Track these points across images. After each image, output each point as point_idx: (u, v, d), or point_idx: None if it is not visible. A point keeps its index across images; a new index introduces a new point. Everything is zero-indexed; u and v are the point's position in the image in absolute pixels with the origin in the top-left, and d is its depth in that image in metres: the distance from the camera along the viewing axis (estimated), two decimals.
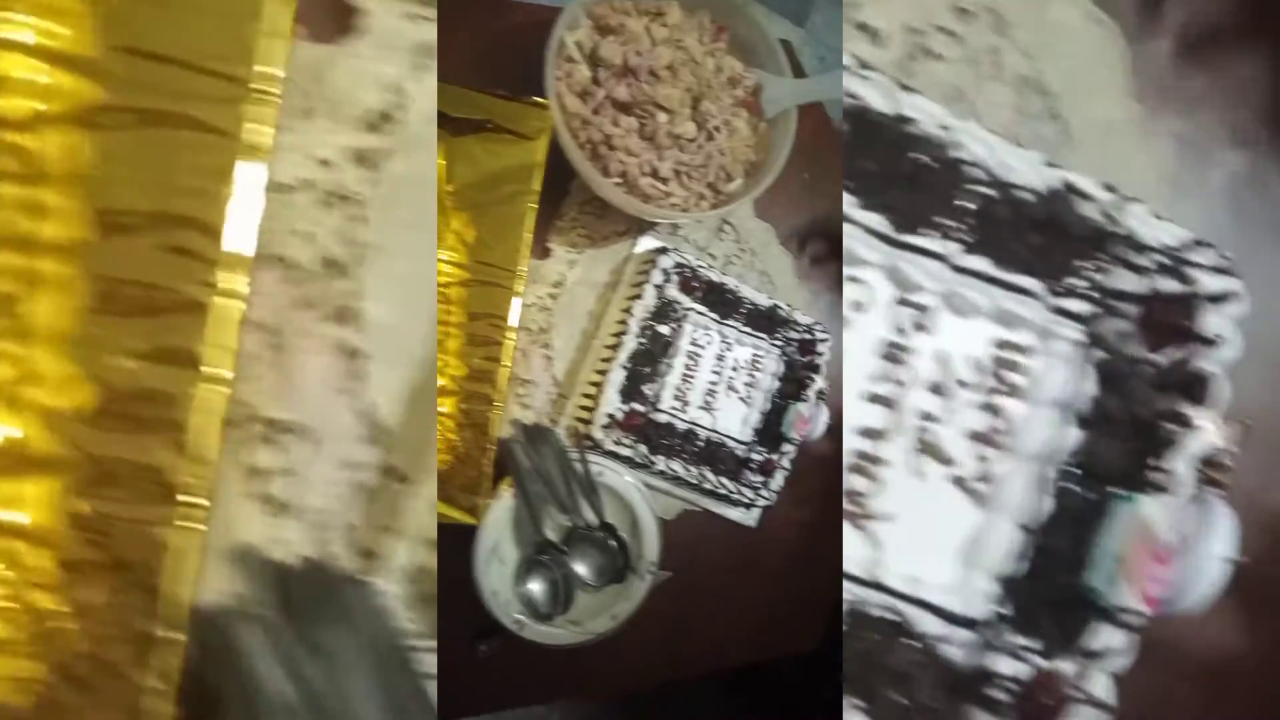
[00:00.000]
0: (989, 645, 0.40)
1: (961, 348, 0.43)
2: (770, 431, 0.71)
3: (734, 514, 0.74)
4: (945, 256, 0.41)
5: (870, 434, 0.41)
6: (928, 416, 0.42)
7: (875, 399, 0.42)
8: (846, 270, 0.41)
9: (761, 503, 0.73)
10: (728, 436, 0.70)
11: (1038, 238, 0.42)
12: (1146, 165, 0.44)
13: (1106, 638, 0.40)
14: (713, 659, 0.76)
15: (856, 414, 0.41)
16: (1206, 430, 0.41)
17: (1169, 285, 0.42)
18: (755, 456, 0.71)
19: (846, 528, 0.40)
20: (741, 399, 0.71)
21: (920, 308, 0.42)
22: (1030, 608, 0.40)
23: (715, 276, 0.69)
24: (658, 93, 0.61)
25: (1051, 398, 0.42)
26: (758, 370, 0.72)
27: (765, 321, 0.72)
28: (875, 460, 0.41)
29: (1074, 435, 0.42)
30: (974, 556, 0.41)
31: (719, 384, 0.71)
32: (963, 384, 0.43)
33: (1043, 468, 0.42)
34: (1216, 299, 0.41)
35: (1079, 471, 0.42)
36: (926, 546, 0.41)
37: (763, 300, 0.72)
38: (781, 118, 0.66)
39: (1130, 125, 0.44)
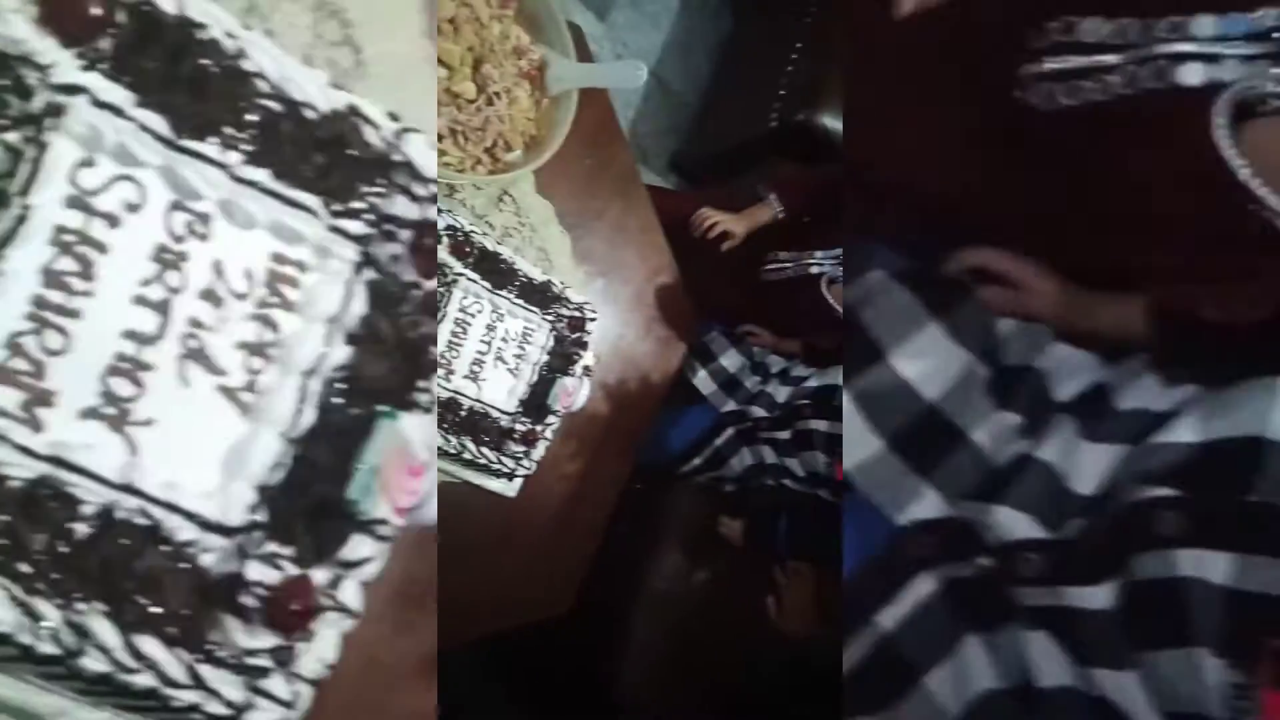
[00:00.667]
0: (245, 553, 0.40)
1: (238, 258, 0.42)
2: (535, 403, 0.73)
3: (494, 485, 0.74)
4: (226, 165, 0.40)
5: (137, 338, 0.40)
6: (198, 324, 0.41)
7: (144, 302, 0.40)
8: (120, 169, 0.39)
9: (523, 473, 0.74)
10: (492, 407, 0.70)
11: (320, 157, 0.42)
12: (431, 100, 0.48)
13: (361, 548, 0.43)
14: (465, 629, 0.76)
15: (122, 317, 0.39)
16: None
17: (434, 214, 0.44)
18: (519, 427, 0.72)
19: (101, 430, 0.38)
20: (510, 370, 0.72)
21: (198, 214, 0.41)
22: (289, 517, 0.41)
23: (490, 245, 0.69)
24: (437, 46, 0.58)
25: (324, 314, 0.43)
26: (528, 343, 0.73)
27: (538, 296, 0.73)
28: (141, 365, 0.40)
29: (343, 352, 0.43)
30: (236, 465, 0.41)
31: (488, 354, 0.70)
32: (237, 295, 0.42)
33: (311, 382, 0.42)
34: None
35: (346, 387, 0.43)
36: (187, 453, 0.41)
37: (537, 275, 0.73)
38: (564, 97, 0.68)
39: (423, 61, 0.47)
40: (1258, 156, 0.38)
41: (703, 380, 1.01)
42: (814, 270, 0.92)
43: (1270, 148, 0.38)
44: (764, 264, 0.97)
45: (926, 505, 0.45)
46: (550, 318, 0.75)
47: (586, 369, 0.77)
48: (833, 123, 1.24)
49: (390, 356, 0.44)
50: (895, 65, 0.53)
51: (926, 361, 0.46)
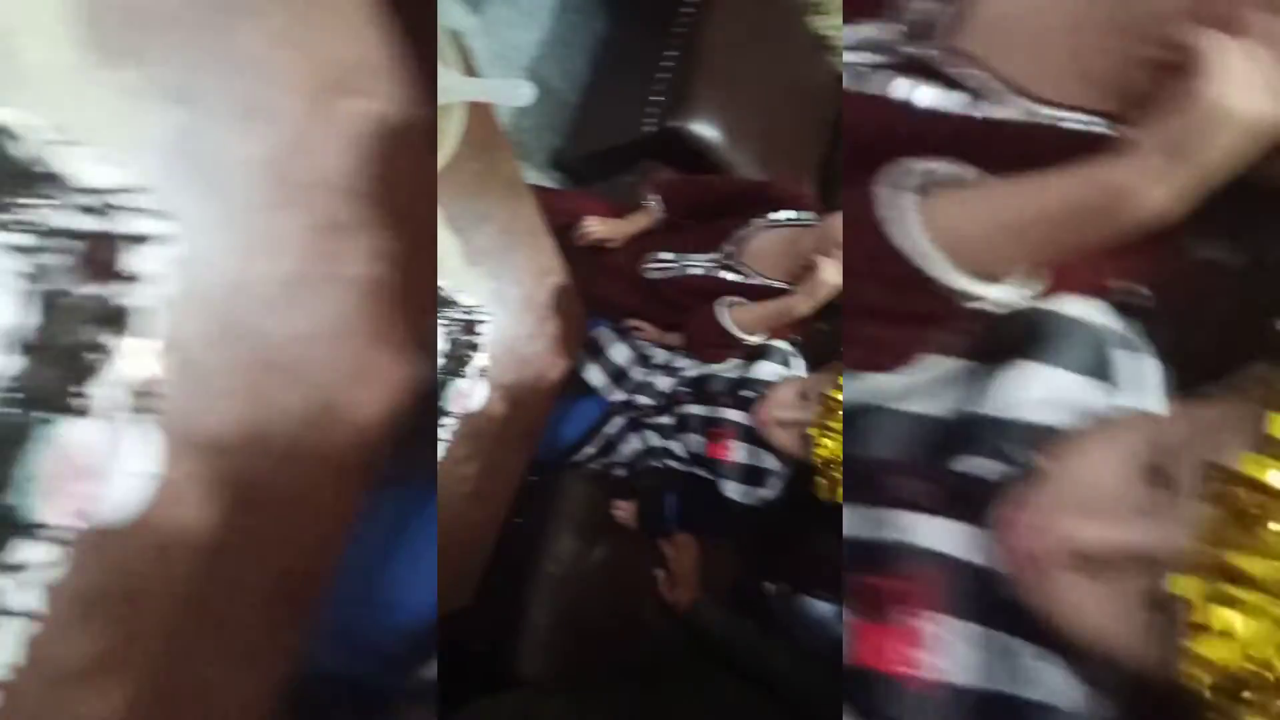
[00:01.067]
0: None
1: None
2: None
3: None
4: None
5: None
6: None
7: None
8: None
9: None
10: None
11: None
12: (91, 111, 0.47)
13: (24, 552, 0.44)
14: None
15: None
16: (131, 359, 0.45)
17: (102, 225, 0.44)
18: None
19: None
20: None
21: None
22: None
23: None
24: None
25: None
26: None
27: None
28: None
29: (11, 362, 0.43)
30: None
31: None
32: None
33: None
34: (144, 240, 0.46)
35: (12, 396, 0.43)
36: None
37: None
38: (451, 108, 0.69)
39: (78, 71, 0.46)
40: (937, 234, 0.37)
41: (593, 373, 1.07)
42: (691, 271, 1.00)
43: (947, 224, 0.37)
44: (647, 263, 1.04)
45: None
46: (442, 321, 0.76)
47: (482, 370, 0.80)
48: (704, 131, 1.33)
49: (52, 363, 0.46)
50: None
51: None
